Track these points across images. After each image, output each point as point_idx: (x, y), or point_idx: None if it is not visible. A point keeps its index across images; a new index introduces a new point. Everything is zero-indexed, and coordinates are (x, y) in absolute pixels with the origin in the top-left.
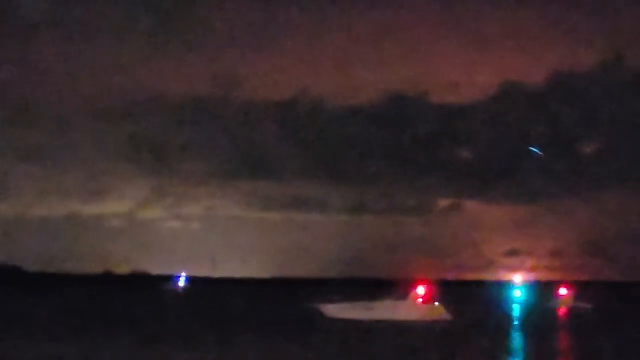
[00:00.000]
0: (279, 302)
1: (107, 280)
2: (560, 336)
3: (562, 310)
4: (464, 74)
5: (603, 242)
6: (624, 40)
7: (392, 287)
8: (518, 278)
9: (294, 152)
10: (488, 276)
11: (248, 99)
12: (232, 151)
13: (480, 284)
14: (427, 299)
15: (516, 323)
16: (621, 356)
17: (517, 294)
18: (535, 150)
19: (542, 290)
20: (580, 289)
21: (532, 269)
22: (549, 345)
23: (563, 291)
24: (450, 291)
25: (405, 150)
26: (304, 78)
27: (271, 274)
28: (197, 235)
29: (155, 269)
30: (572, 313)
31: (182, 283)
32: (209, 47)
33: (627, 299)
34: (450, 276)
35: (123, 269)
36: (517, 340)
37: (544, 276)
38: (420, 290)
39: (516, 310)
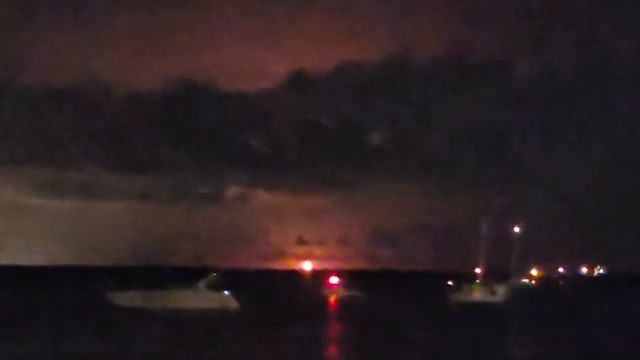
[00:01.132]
0: (67, 290)
1: None
2: (320, 324)
3: (332, 299)
4: (253, 62)
5: (389, 231)
6: (411, 33)
7: (182, 276)
8: (305, 266)
9: (80, 138)
10: (278, 264)
11: (35, 84)
12: (17, 137)
13: (270, 272)
14: (216, 288)
15: (294, 311)
16: (371, 344)
17: (302, 282)
18: None
19: (320, 278)
20: (359, 277)
21: (320, 258)
22: (311, 332)
23: (333, 280)
24: (240, 280)
25: (194, 137)
26: (91, 63)
27: (60, 262)
28: None
29: None
30: (341, 301)
31: None
32: None
33: (405, 287)
34: (241, 264)
35: None
36: (288, 327)
37: (330, 265)
38: (210, 278)
39: (297, 299)
